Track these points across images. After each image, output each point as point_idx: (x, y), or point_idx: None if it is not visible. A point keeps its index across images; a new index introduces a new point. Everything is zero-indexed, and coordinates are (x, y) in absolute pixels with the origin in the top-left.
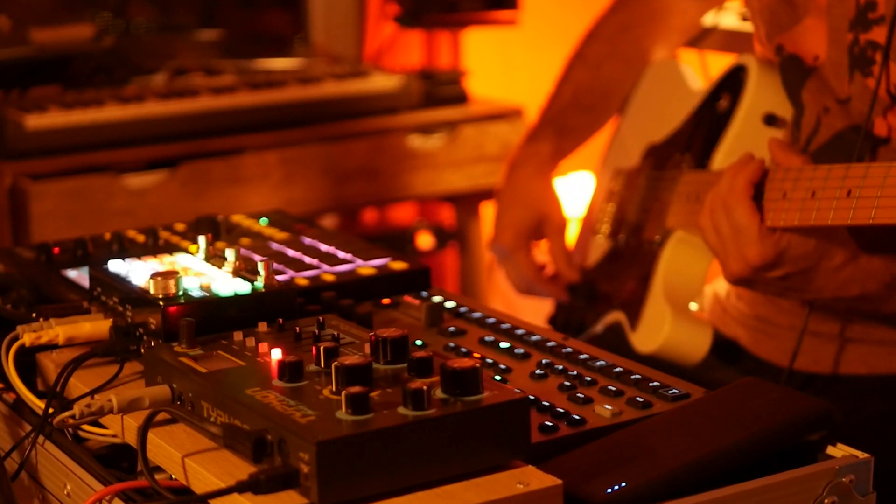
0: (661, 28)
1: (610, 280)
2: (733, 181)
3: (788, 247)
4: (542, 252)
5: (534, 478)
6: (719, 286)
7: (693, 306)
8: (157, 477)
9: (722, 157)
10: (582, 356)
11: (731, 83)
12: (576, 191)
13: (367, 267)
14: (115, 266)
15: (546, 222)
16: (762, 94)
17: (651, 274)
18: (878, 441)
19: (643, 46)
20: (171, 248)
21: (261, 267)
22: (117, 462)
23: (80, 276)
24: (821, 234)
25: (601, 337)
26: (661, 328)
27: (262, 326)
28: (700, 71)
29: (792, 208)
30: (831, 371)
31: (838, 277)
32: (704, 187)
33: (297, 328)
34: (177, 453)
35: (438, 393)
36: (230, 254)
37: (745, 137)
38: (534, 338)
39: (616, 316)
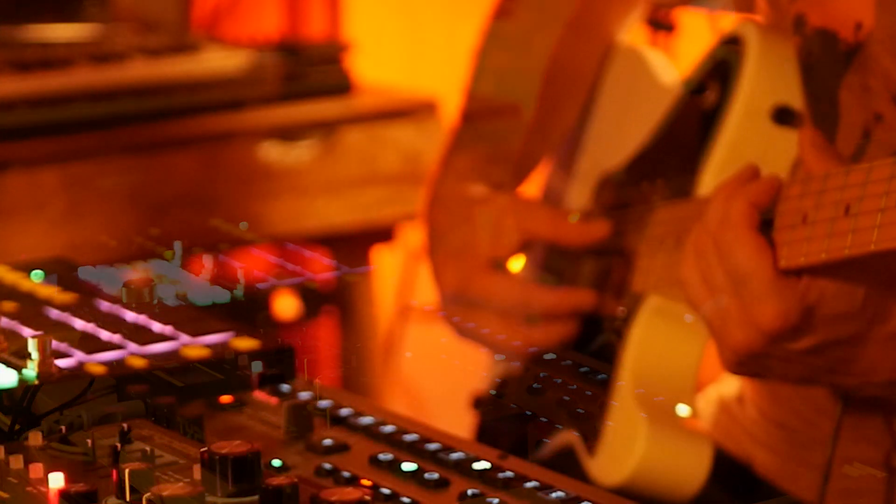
0: None
1: (551, 385)
2: (727, 208)
3: (821, 299)
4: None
5: None
6: (725, 387)
7: (683, 410)
8: None
9: (711, 179)
10: (529, 484)
11: (721, 66)
12: None
13: (196, 346)
14: None
15: (501, 232)
16: (768, 76)
17: (614, 366)
18: None
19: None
20: None
21: (33, 347)
22: None
23: None
24: (870, 279)
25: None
26: (631, 447)
27: (35, 438)
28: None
29: (816, 236)
30: None
31: None
32: (686, 225)
33: (90, 441)
34: None
35: None
36: None
37: (745, 145)
38: (454, 455)
39: (565, 437)
